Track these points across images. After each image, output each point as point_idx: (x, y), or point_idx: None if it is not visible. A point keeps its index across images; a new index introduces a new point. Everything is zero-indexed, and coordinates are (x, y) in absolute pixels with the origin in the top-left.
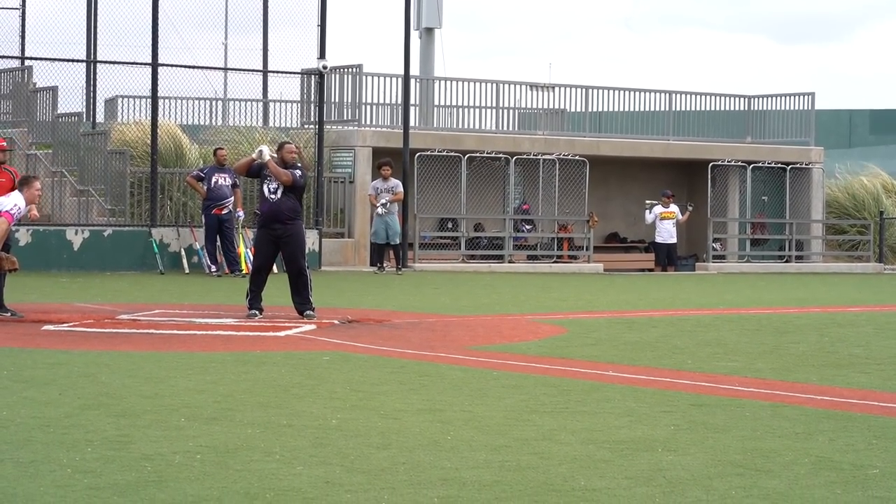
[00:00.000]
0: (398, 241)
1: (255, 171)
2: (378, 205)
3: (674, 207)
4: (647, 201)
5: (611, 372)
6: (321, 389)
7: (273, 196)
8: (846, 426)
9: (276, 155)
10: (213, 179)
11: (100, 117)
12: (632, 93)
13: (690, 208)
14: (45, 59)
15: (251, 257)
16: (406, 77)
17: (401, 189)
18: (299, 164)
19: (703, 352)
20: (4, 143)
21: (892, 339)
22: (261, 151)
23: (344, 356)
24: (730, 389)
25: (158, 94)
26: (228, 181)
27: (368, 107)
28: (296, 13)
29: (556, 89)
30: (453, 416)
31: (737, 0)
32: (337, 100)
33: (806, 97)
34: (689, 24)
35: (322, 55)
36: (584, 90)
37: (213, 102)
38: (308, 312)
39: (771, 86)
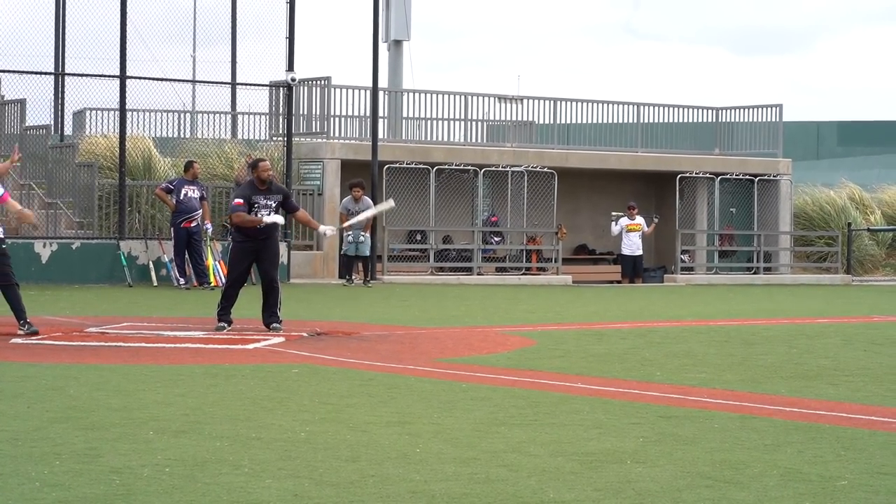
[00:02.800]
0: (367, 254)
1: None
2: (342, 227)
3: (639, 219)
4: (613, 213)
5: (580, 384)
6: (290, 402)
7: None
8: (815, 438)
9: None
10: (183, 192)
11: (68, 130)
12: (600, 105)
13: (656, 220)
14: (13, 71)
15: (220, 270)
16: (374, 89)
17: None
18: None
19: (671, 363)
20: None
21: (860, 351)
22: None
23: (313, 369)
24: (698, 401)
25: (127, 107)
26: (197, 193)
27: (337, 119)
28: (264, 25)
29: (525, 101)
30: (422, 428)
31: (691, 14)
32: (305, 112)
33: (774, 109)
34: (644, 38)
35: (290, 67)
36: (552, 102)
37: (182, 115)
38: (275, 325)
39: (732, 98)
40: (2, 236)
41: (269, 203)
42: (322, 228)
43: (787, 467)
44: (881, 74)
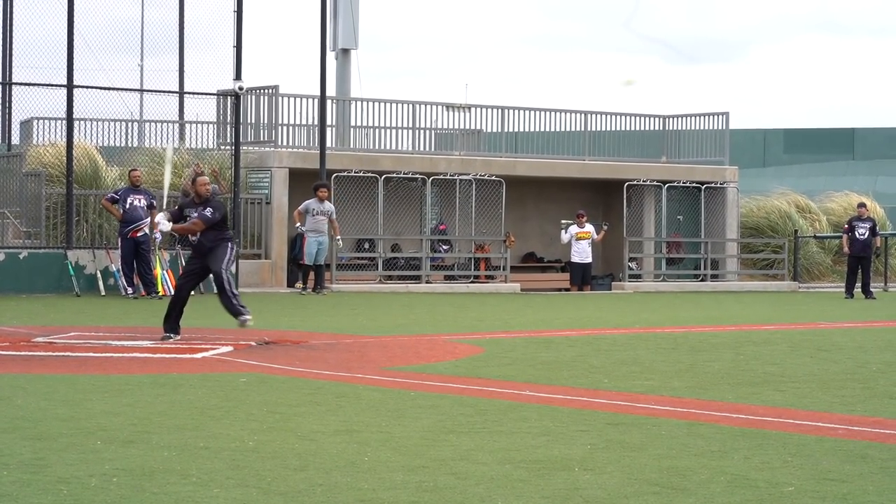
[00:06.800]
0: (322, 262)
1: (178, 218)
2: (303, 229)
3: (589, 227)
4: (563, 221)
5: (527, 391)
6: (238, 411)
7: (194, 237)
8: (761, 444)
9: (189, 193)
10: (129, 201)
11: (15, 139)
12: (548, 113)
13: (605, 228)
14: None
15: (168, 279)
16: (322, 98)
17: (334, 214)
18: (214, 193)
19: (619, 371)
20: None
21: (807, 357)
22: (160, 233)
23: (261, 378)
24: (646, 408)
25: (74, 116)
26: (143, 202)
27: (285, 128)
28: (211, 35)
29: (472, 110)
30: (370, 437)
31: (621, 23)
32: (253, 121)
33: (720, 117)
34: (579, 47)
35: (238, 76)
36: (500, 110)
37: (130, 124)
38: (242, 318)
39: (673, 107)
40: None
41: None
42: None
43: (734, 474)
44: (821, 84)
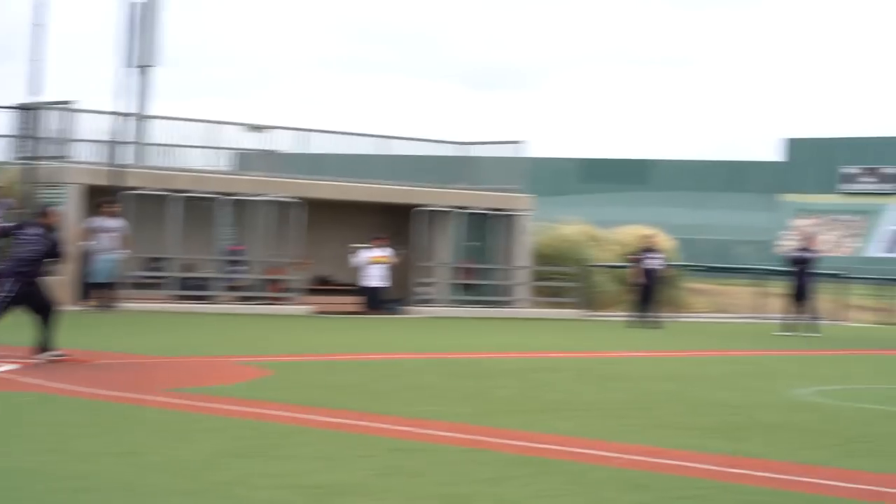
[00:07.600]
0: (112, 280)
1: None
2: (92, 246)
3: (383, 251)
4: (355, 245)
5: (312, 416)
6: (18, 431)
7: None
8: (543, 471)
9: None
10: None
11: None
12: (345, 136)
13: (401, 252)
14: None
15: None
16: (119, 114)
17: (124, 230)
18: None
19: (407, 396)
20: None
21: (593, 385)
22: None
23: (43, 397)
24: (430, 434)
25: None
26: None
27: (81, 143)
28: (9, 47)
29: (271, 131)
30: (152, 459)
31: (426, 47)
32: (49, 135)
33: (516, 145)
34: (383, 70)
35: (35, 90)
36: (298, 132)
37: None
38: (55, 353)
39: (473, 132)
40: None
41: None
42: None
43: (512, 501)
44: (617, 114)
